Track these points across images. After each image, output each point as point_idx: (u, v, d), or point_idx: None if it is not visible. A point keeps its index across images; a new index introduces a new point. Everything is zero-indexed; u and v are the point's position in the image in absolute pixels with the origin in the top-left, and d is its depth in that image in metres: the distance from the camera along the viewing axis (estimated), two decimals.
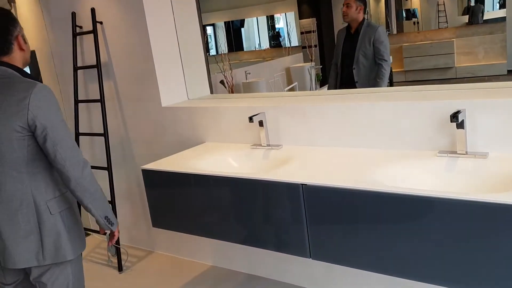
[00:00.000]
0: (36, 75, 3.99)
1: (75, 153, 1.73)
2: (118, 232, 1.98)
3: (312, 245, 1.86)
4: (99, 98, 3.14)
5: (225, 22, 12.38)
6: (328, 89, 4.00)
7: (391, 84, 9.72)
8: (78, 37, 3.25)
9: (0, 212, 1.72)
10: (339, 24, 9.89)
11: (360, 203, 1.68)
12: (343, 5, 3.65)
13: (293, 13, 11.31)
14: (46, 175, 1.75)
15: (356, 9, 3.58)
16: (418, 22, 10.17)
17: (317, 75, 8.06)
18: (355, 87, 3.58)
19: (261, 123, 2.46)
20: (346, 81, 3.70)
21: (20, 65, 1.76)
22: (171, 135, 2.98)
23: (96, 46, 3.07)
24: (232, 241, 2.22)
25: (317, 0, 10.40)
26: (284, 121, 2.47)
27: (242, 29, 12.92)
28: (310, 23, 10.85)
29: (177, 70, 3.05)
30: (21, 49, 1.75)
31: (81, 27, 3.23)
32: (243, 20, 12.58)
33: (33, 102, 1.63)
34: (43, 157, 1.72)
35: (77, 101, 3.29)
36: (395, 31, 10.44)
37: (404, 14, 10.39)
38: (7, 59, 1.71)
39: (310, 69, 7.75)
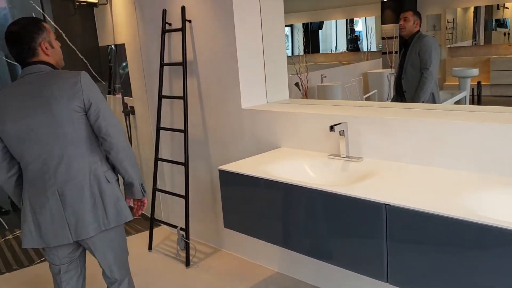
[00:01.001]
0: (123, 67, 4.18)
1: (120, 126, 2.00)
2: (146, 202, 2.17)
3: (390, 269, 1.76)
4: (182, 95, 3.21)
5: (303, 24, 12.32)
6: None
7: (479, 99, 9.11)
8: (166, 34, 3.35)
9: (70, 190, 1.93)
10: (423, 31, 9.48)
11: (452, 232, 1.57)
12: (401, 18, 3.73)
13: (374, 17, 11.01)
14: (100, 150, 2.02)
15: (414, 22, 3.68)
16: (509, 33, 9.50)
17: None
18: (404, 97, 3.75)
19: (341, 133, 2.39)
20: (397, 91, 3.86)
21: (53, 64, 2.00)
22: (248, 137, 2.98)
23: (183, 44, 3.15)
24: (303, 252, 2.17)
25: (401, 6, 10.05)
26: (366, 132, 2.37)
27: (320, 31, 12.78)
28: (392, 28, 10.51)
29: (259, 73, 3.05)
30: (46, 54, 1.96)
31: (170, 24, 3.32)
32: (322, 22, 12.45)
33: (84, 85, 1.90)
34: (94, 134, 1.98)
35: (160, 97, 3.40)
36: (482, 42, 9.83)
37: (494, 24, 9.74)
38: (37, 59, 1.95)
39: (390, 76, 7.48)
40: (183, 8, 3.13)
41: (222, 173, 2.43)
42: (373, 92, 7.13)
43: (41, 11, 4.30)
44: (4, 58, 4.27)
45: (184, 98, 3.20)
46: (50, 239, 1.96)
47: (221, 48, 2.99)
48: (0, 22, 4.38)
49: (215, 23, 2.99)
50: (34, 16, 1.97)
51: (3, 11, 4.41)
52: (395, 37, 9.62)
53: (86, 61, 4.48)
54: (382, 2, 10.56)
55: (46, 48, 1.95)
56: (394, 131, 2.26)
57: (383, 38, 10.16)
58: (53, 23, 4.33)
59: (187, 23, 3.17)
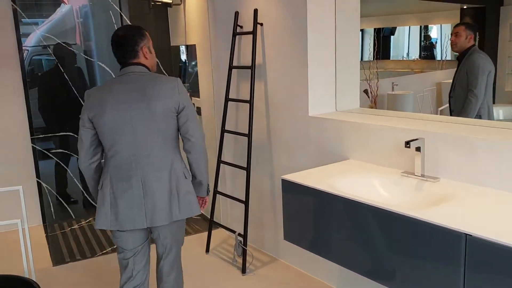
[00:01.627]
0: (193, 67, 4.21)
1: (201, 130, 2.23)
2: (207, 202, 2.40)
3: None
4: (248, 99, 3.16)
5: (374, 29, 11.94)
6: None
7: None
8: (237, 36, 3.32)
9: (152, 180, 2.13)
10: (505, 41, 8.88)
11: None
12: (452, 34, 3.46)
13: (449, 24, 10.44)
14: (179, 149, 2.22)
15: (466, 37, 3.41)
16: None
17: None
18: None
19: (418, 149, 2.21)
20: (450, 110, 3.61)
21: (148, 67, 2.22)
22: (314, 146, 2.87)
23: (253, 48, 3.09)
24: (366, 275, 2.02)
25: (483, 14, 9.42)
26: (445, 150, 2.18)
27: (392, 36, 12.33)
28: None
29: (329, 79, 2.93)
30: (145, 57, 2.19)
31: (241, 27, 3.29)
32: (394, 28, 11.99)
33: (180, 90, 2.14)
34: (178, 134, 2.20)
35: (227, 99, 3.37)
36: None
37: None
38: (137, 61, 2.17)
39: None
40: (255, 11, 3.08)
41: (286, 183, 2.34)
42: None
43: (118, 9, 4.44)
44: (82, 54, 4.45)
45: (251, 102, 3.14)
46: (125, 223, 2.13)
47: (292, 52, 2.90)
48: (83, 18, 4.58)
49: (287, 27, 2.90)
50: (135, 25, 2.29)
51: (84, 8, 4.60)
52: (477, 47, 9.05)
53: (157, 60, 4.56)
54: (462, 9, 9.98)
55: (146, 52, 2.18)
56: (479, 151, 2.05)
57: None
58: (128, 21, 4.45)
59: (258, 26, 3.11)
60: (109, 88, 2.12)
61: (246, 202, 3.17)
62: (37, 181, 4.26)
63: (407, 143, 2.14)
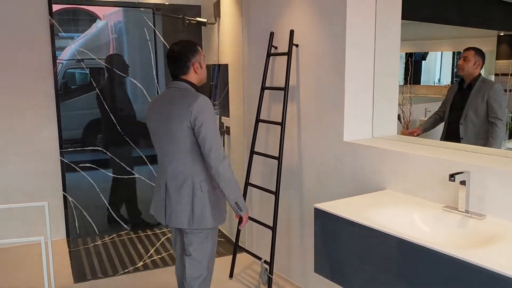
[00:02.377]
0: (224, 86, 4.16)
1: (217, 148, 2.29)
2: (247, 219, 2.47)
3: None
4: (280, 121, 3.07)
5: (406, 53, 11.79)
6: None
7: None
8: (271, 57, 3.25)
9: (172, 186, 2.38)
10: None
11: None
12: (460, 57, 3.37)
13: (485, 51, 10.17)
14: (201, 162, 2.35)
15: (475, 63, 3.32)
16: None
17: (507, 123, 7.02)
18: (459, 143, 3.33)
19: (462, 183, 2.06)
20: (450, 136, 3.47)
21: (195, 83, 2.42)
22: (348, 173, 2.74)
23: (287, 69, 3.02)
24: None
25: None
26: (492, 186, 2.03)
27: (423, 61, 12.14)
28: (508, 65, 9.64)
29: (366, 104, 2.81)
30: (196, 72, 2.40)
31: (276, 48, 3.22)
32: (426, 53, 11.81)
33: (195, 109, 2.26)
34: (199, 148, 2.32)
35: (258, 120, 3.29)
36: None
37: None
38: (185, 77, 2.39)
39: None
40: (291, 32, 3.01)
41: (318, 212, 2.22)
42: None
43: (152, 26, 4.46)
44: (116, 70, 4.47)
45: (282, 124, 3.05)
46: (156, 215, 2.51)
47: (328, 75, 2.81)
48: (117, 34, 4.62)
49: (324, 50, 2.82)
50: (187, 40, 2.46)
51: (119, 24, 4.65)
52: (511, 75, 8.80)
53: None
54: (499, 36, 9.75)
55: (197, 67, 2.38)
56: None
57: (496, 75, 9.34)
58: (162, 39, 4.46)
59: (294, 47, 3.04)
60: (156, 99, 2.46)
61: (273, 228, 3.05)
62: (63, 195, 4.25)
63: (452, 176, 2.00)
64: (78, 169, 4.33)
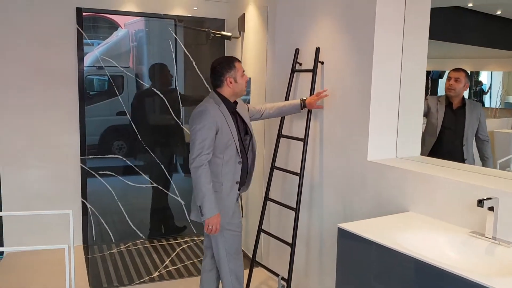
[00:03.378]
0: (244, 101, 4.18)
1: (192, 151, 2.57)
2: (215, 227, 2.61)
3: None
4: (303, 137, 3.07)
5: None
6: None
7: None
8: (295, 73, 3.26)
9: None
10: None
11: None
12: (451, 77, 3.40)
13: (501, 72, 10.06)
14: (212, 164, 2.66)
15: (464, 85, 3.40)
16: None
17: None
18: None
19: (490, 209, 2.03)
20: (452, 157, 3.30)
21: (227, 95, 2.71)
22: (370, 193, 2.72)
23: (312, 86, 3.02)
24: None
25: None
26: None
27: (440, 80, 12.06)
28: None
29: (391, 123, 2.79)
30: (229, 86, 2.69)
31: (300, 64, 3.23)
32: (443, 71, 11.73)
33: (191, 116, 2.66)
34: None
35: (280, 135, 3.29)
36: None
37: None
38: (219, 89, 2.73)
39: None
40: (317, 50, 3.02)
41: (342, 232, 2.20)
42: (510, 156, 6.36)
43: (174, 35, 4.49)
44: (133, 76, 4.52)
45: (305, 140, 3.05)
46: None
47: (353, 93, 2.81)
48: (138, 43, 4.68)
49: (351, 67, 2.82)
50: (229, 56, 2.88)
51: (140, 33, 4.71)
52: None
53: (210, 90, 4.57)
54: None
55: (230, 82, 2.67)
56: None
57: None
58: (184, 49, 4.50)
59: (319, 64, 3.04)
60: None
61: (292, 245, 3.03)
62: (82, 201, 4.28)
63: (480, 202, 1.97)
64: (97, 176, 4.37)
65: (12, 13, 3.92)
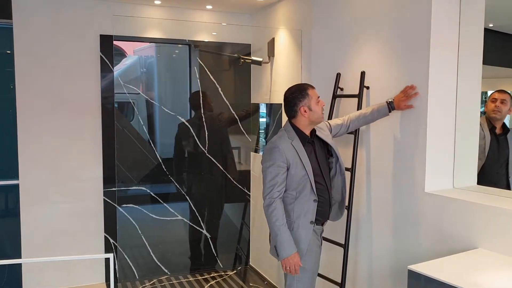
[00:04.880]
0: (273, 125, 4.01)
1: (264, 189, 2.46)
2: (293, 268, 2.43)
3: None
4: (350, 167, 2.86)
5: None
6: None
7: None
8: (336, 99, 3.09)
9: None
10: None
11: None
12: (496, 99, 3.09)
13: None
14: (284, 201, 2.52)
15: (509, 108, 3.11)
16: None
17: None
18: None
19: None
20: (496, 187, 2.99)
21: (303, 126, 2.54)
22: (430, 228, 2.49)
23: None
24: None
25: None
26: None
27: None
28: None
29: (448, 150, 2.59)
30: (303, 115, 2.51)
31: (342, 89, 3.06)
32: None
33: (264, 152, 2.55)
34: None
35: None
36: None
37: None
38: (293, 121, 2.56)
39: None
40: (362, 74, 2.85)
41: (414, 275, 1.97)
42: None
43: (188, 59, 4.33)
44: (144, 97, 4.36)
45: (352, 170, 2.85)
46: None
47: (405, 119, 2.62)
48: (148, 70, 4.56)
49: (399, 90, 2.63)
50: (300, 83, 2.67)
51: (149, 59, 4.59)
52: None
53: (236, 117, 4.42)
54: None
55: (304, 111, 2.49)
56: None
57: None
58: (210, 75, 4.35)
59: (364, 89, 2.87)
60: None
61: (342, 285, 2.79)
62: (105, 236, 4.07)
63: None
64: (121, 209, 4.16)
65: (36, 41, 3.80)
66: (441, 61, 2.50)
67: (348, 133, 2.81)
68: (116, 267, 4.12)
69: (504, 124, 3.16)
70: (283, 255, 2.42)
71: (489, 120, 3.17)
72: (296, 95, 2.49)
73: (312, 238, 2.54)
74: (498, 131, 3.14)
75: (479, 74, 2.68)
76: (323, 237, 3.08)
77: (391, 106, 2.61)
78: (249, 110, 4.40)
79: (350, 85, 2.99)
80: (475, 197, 2.39)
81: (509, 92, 3.26)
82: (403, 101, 2.56)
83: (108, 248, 4.07)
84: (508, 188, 3.15)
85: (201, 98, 4.31)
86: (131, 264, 4.18)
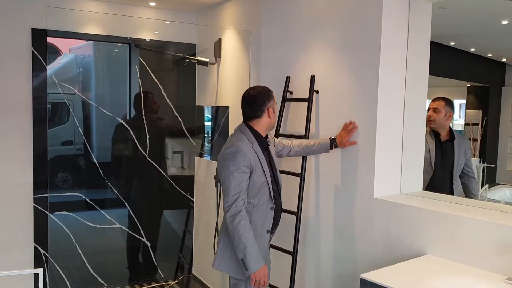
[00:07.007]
0: (218, 128, 3.89)
1: (226, 198, 2.29)
2: (255, 279, 2.28)
3: None
4: (299, 172, 2.80)
5: None
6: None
7: None
8: (286, 102, 3.02)
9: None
10: (507, 121, 8.92)
11: None
12: (429, 108, 3.16)
13: (454, 100, 10.45)
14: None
15: (445, 115, 3.12)
16: None
17: None
18: None
19: None
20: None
21: (262, 128, 2.44)
22: (379, 233, 2.48)
23: (308, 116, 2.79)
24: None
25: (487, 93, 9.51)
26: None
27: None
28: (476, 115, 9.89)
29: (395, 157, 2.60)
30: (269, 117, 2.43)
31: (291, 93, 3.00)
32: None
33: (220, 155, 2.37)
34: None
35: None
36: None
37: None
38: (253, 122, 2.43)
39: (479, 166, 6.78)
40: (312, 78, 2.81)
41: (366, 283, 1.93)
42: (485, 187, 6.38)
43: (128, 59, 4.14)
44: (80, 98, 4.10)
45: (301, 176, 2.79)
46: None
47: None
48: (85, 69, 4.30)
49: (352, 97, 2.61)
50: (261, 85, 2.54)
51: (87, 58, 4.33)
52: (479, 124, 9.00)
53: (180, 119, 4.25)
54: (468, 87, 10.06)
55: (270, 112, 2.42)
56: None
57: (467, 124, 9.56)
58: (152, 76, 4.16)
59: (314, 93, 2.82)
60: None
61: None
62: (34, 246, 3.74)
63: None
64: (53, 216, 3.84)
65: None
66: (390, 69, 2.51)
67: (288, 156, 2.77)
68: (47, 279, 3.80)
69: (450, 131, 3.17)
70: (253, 268, 2.26)
71: (432, 129, 3.19)
72: (264, 95, 2.41)
73: (266, 247, 2.44)
74: (443, 138, 3.15)
75: (425, 83, 2.73)
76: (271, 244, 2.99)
77: (333, 143, 2.61)
78: None
79: (300, 89, 2.94)
80: (421, 202, 2.41)
81: (445, 98, 3.25)
82: (345, 137, 2.56)
83: (38, 259, 3.75)
84: (451, 193, 3.19)
85: (142, 98, 4.10)
86: (64, 276, 3.87)
